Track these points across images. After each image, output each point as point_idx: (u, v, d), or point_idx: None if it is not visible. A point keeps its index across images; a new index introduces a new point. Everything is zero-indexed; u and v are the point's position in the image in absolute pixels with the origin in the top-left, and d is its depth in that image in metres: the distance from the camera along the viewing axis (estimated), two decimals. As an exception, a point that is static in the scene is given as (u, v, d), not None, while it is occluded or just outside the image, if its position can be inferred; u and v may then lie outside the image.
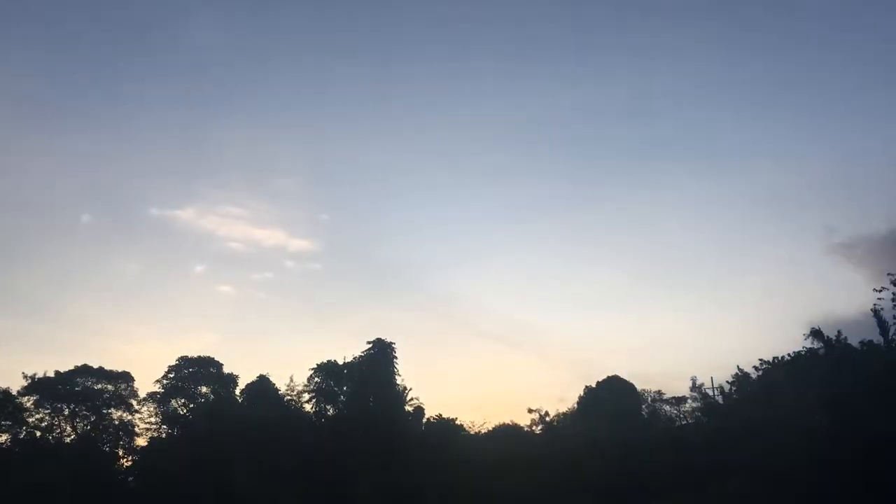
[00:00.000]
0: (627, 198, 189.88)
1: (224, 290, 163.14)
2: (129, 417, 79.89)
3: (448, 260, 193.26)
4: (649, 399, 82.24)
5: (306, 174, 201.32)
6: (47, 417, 76.99)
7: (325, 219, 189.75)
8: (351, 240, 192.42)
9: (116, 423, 79.37)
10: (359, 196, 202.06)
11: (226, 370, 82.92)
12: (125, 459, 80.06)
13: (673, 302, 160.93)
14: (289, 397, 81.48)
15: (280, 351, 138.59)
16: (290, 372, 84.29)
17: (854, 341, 56.77)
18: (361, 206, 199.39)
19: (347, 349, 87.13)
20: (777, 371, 60.54)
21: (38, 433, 76.10)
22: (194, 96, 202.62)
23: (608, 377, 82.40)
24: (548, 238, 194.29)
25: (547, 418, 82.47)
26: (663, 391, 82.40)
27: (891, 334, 53.06)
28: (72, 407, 78.08)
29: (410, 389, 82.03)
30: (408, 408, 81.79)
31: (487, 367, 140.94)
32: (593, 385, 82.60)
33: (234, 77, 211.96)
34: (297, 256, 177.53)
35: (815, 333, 58.34)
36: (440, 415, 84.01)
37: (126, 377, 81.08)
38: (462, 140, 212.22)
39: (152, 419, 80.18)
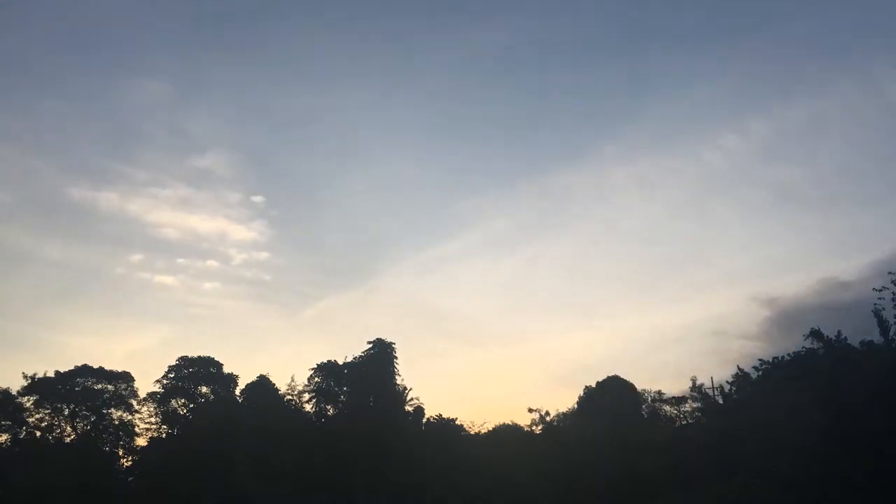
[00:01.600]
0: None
1: (165, 281, 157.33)
2: (129, 417, 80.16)
3: (396, 236, 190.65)
4: (649, 399, 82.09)
5: (231, 148, 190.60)
6: (47, 417, 77.13)
7: (258, 200, 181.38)
8: (292, 221, 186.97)
9: (116, 423, 79.50)
10: (292, 171, 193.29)
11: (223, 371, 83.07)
12: (125, 459, 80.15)
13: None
14: (289, 397, 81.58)
15: (241, 345, 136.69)
16: (257, 368, 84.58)
17: (854, 341, 56.75)
18: (297, 183, 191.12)
19: (318, 342, 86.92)
20: (777, 371, 60.44)
21: (38, 433, 76.14)
22: (100, 56, 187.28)
23: (608, 377, 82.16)
24: (516, 212, 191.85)
25: (547, 418, 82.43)
26: (660, 390, 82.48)
27: (891, 334, 52.98)
28: (72, 407, 78.20)
29: (410, 389, 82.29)
30: (408, 408, 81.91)
31: (460, 362, 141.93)
32: (592, 385, 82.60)
33: (143, 35, 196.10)
34: (240, 245, 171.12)
35: (815, 333, 58.11)
36: (440, 415, 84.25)
37: (126, 377, 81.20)
38: (409, 93, 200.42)
39: (152, 419, 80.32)
